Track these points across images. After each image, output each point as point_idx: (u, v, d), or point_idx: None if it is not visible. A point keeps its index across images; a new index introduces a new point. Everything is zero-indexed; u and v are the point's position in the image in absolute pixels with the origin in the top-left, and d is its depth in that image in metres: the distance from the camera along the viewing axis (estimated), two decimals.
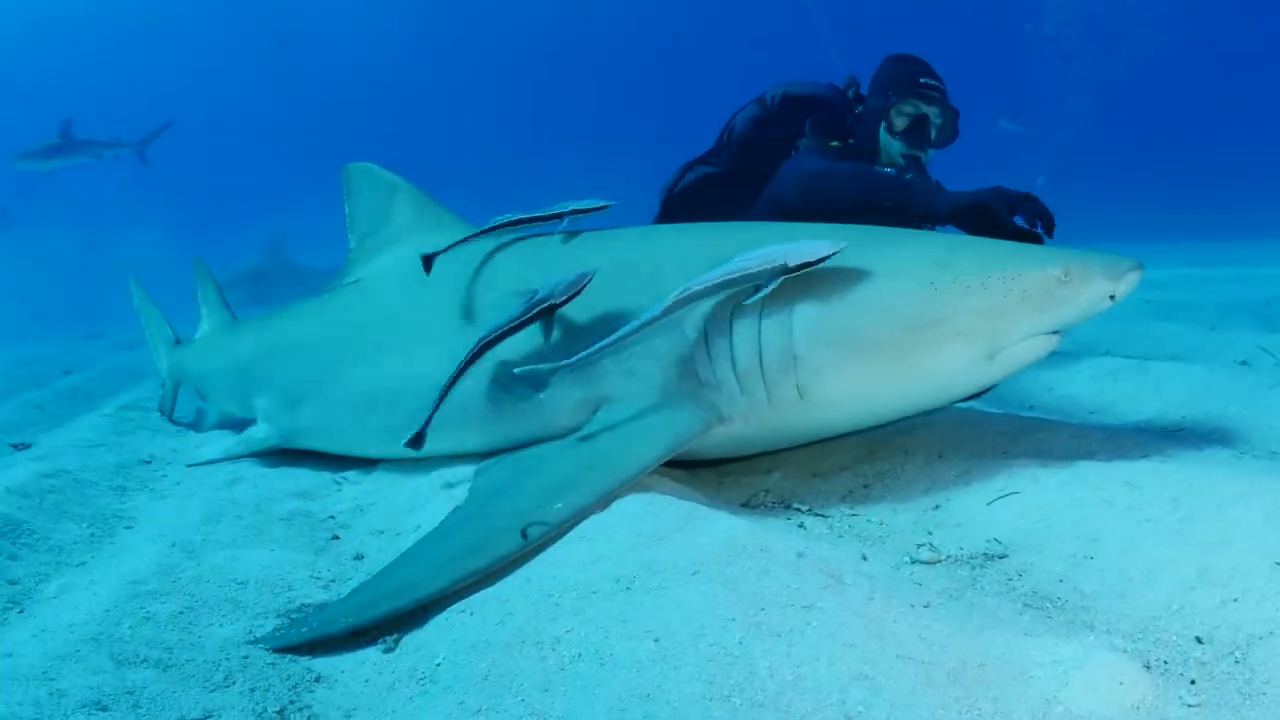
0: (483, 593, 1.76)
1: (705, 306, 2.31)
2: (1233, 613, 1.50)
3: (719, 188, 4.18)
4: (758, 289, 2.18)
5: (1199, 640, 1.46)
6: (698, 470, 2.62)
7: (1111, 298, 2.23)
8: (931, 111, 3.71)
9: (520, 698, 1.33)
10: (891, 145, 3.73)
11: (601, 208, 2.73)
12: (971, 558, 1.88)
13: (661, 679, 1.30)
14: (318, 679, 1.63)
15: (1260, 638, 1.42)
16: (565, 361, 2.28)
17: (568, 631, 1.47)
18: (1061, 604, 1.63)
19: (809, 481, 2.49)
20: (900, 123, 3.72)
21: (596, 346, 2.25)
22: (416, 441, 2.46)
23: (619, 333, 2.24)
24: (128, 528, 2.72)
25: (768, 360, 2.22)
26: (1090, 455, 2.35)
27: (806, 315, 2.20)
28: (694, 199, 4.20)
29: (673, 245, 2.62)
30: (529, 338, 2.53)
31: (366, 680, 1.60)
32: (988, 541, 1.94)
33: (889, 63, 3.86)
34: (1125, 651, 1.42)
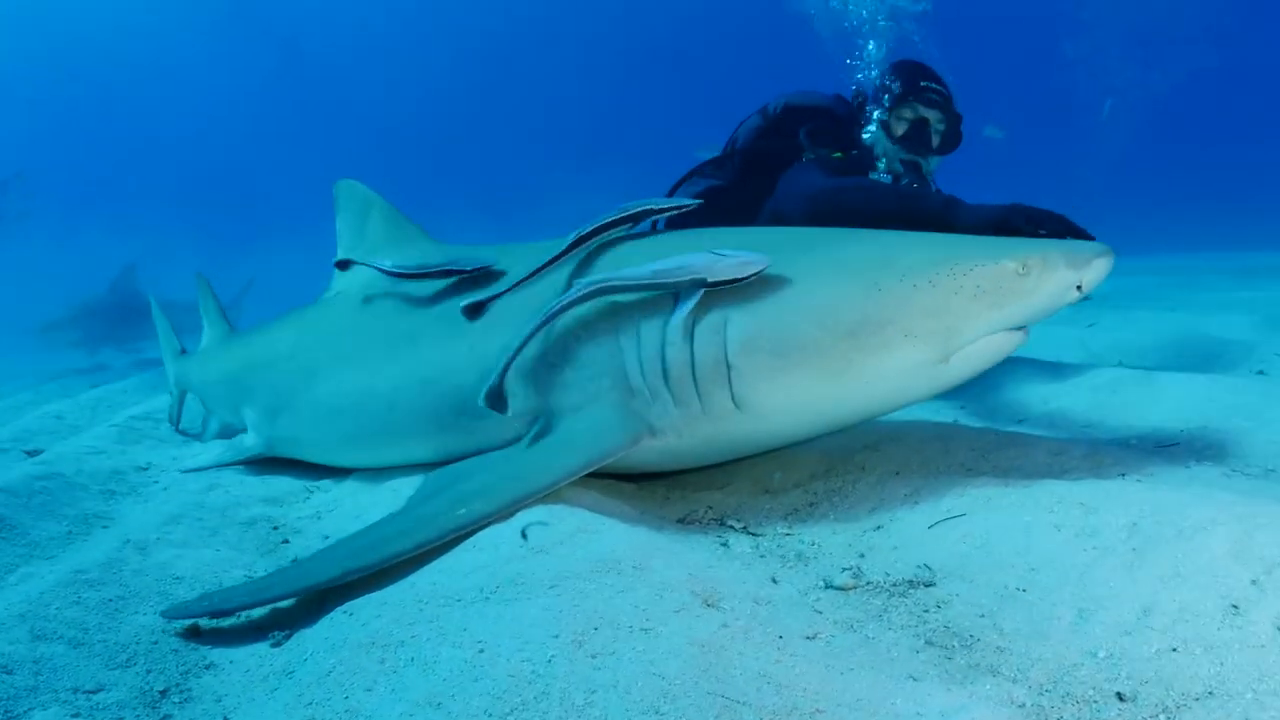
0: (370, 595, 1.69)
1: (639, 315, 2.10)
2: (1169, 665, 1.19)
3: (723, 200, 3.94)
4: (676, 296, 1.96)
5: (1120, 698, 1.16)
6: (648, 483, 2.40)
7: (1079, 288, 1.95)
8: (933, 116, 3.41)
9: (346, 695, 1.30)
10: (891, 151, 3.44)
11: (682, 208, 2.44)
12: (895, 584, 1.60)
13: (458, 689, 1.20)
14: (208, 666, 1.62)
15: (1196, 698, 1.13)
16: (491, 380, 2.14)
17: (413, 636, 1.40)
18: (971, 643, 1.35)
19: (758, 498, 2.24)
20: (900, 127, 3.43)
21: (513, 351, 2.12)
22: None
23: (530, 328, 2.09)
24: (104, 527, 2.70)
25: (700, 369, 1.99)
26: (1061, 474, 2.04)
27: (740, 322, 1.97)
28: (698, 211, 3.96)
29: (619, 255, 2.42)
30: (471, 350, 2.39)
31: (248, 671, 1.58)
32: (918, 567, 1.66)
33: (890, 67, 3.57)
34: (1021, 706, 1.14)
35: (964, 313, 1.89)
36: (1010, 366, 3.29)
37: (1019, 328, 1.99)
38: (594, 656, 1.22)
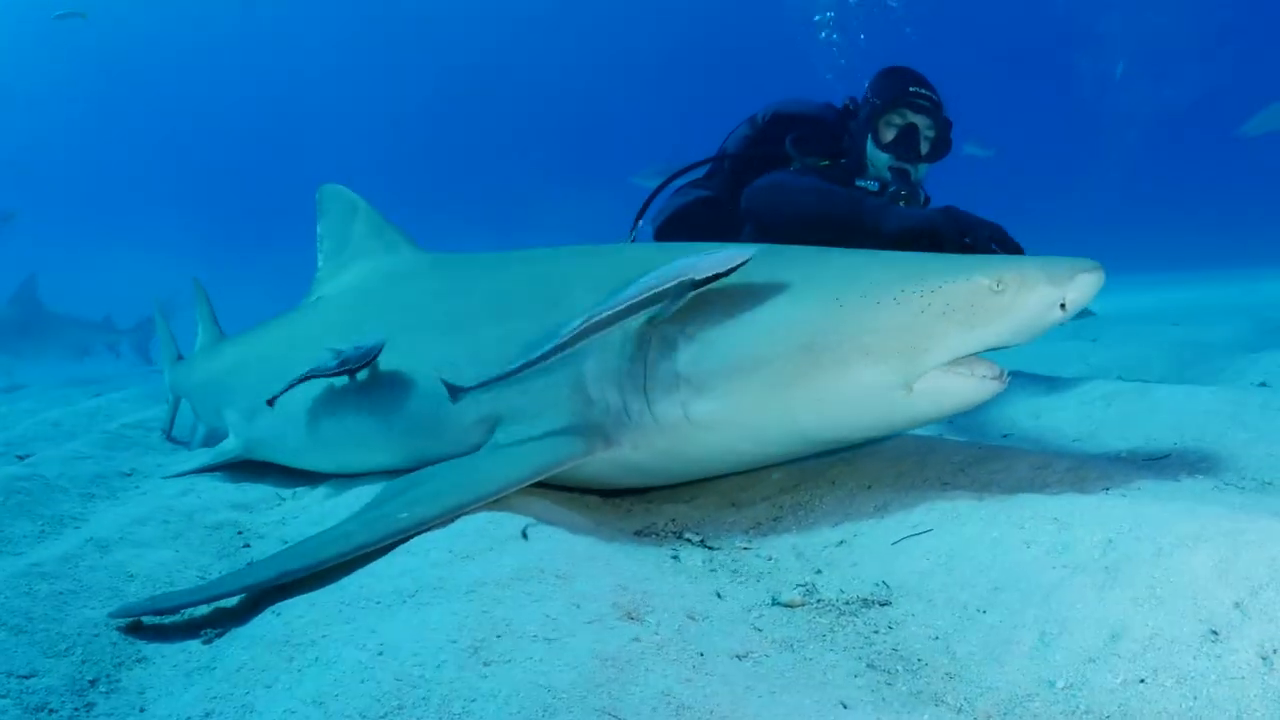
0: (304, 595, 1.63)
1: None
2: (1135, 698, 1.03)
3: (712, 210, 3.82)
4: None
5: None
6: (615, 496, 2.26)
7: (1063, 306, 1.77)
8: (921, 122, 3.26)
9: (247, 690, 1.27)
10: (879, 158, 3.29)
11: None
12: (847, 603, 1.44)
13: (345, 690, 1.15)
14: (140, 659, 1.60)
15: None
16: (471, 386, 1.98)
17: (325, 636, 1.35)
18: (918, 668, 1.19)
19: (723, 511, 2.09)
20: (887, 134, 3.28)
21: (497, 376, 1.93)
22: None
23: (520, 362, 1.90)
24: (76, 528, 2.63)
25: (652, 379, 1.86)
26: (1041, 488, 1.87)
27: (694, 332, 1.83)
28: (687, 222, 3.84)
29: (584, 265, 2.31)
30: (440, 356, 2.30)
31: (175, 665, 1.55)
32: (875, 585, 1.50)
33: (879, 74, 3.43)
34: None
35: (929, 332, 1.71)
36: None
37: (998, 348, 1.81)
38: (486, 664, 1.14)
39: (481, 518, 1.73)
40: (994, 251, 2.40)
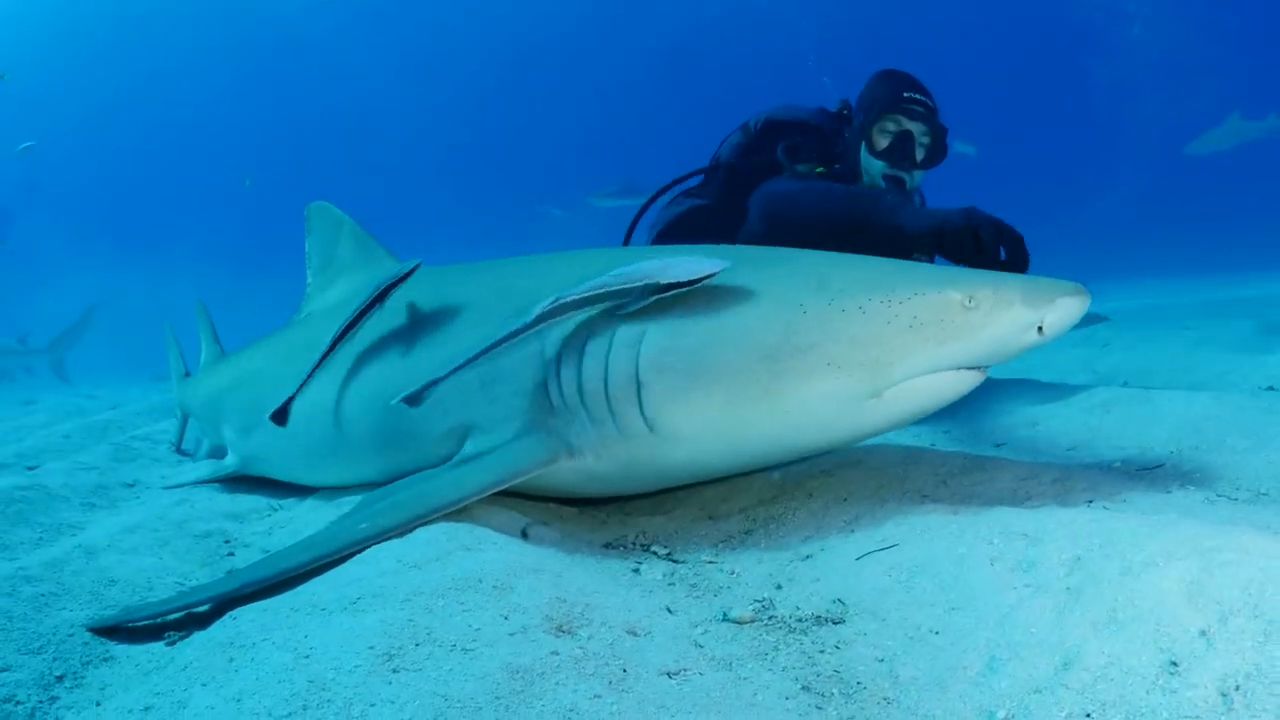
0: (263, 602, 1.62)
1: (563, 329, 1.91)
2: None
3: (707, 219, 3.74)
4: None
5: None
6: (591, 507, 2.20)
7: (1040, 330, 1.67)
8: (916, 128, 3.15)
9: (185, 688, 1.30)
10: (873, 165, 3.19)
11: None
12: (800, 620, 1.36)
13: (262, 689, 1.16)
14: (107, 659, 1.64)
15: None
16: (432, 379, 1.95)
17: (265, 640, 1.34)
18: (855, 691, 1.10)
19: (699, 524, 2.01)
20: (881, 140, 3.17)
21: (459, 364, 1.92)
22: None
23: (480, 348, 1.88)
24: (72, 536, 2.63)
25: (613, 386, 1.79)
26: (1022, 501, 1.76)
27: (655, 338, 1.76)
28: (682, 231, 3.77)
29: (554, 271, 2.25)
30: (412, 366, 2.27)
31: (137, 665, 1.58)
32: (832, 602, 1.42)
33: (874, 78, 3.33)
34: None
35: (896, 345, 1.63)
36: (1002, 388, 2.99)
37: (974, 367, 1.71)
38: (395, 671, 1.12)
39: (438, 528, 1.69)
40: (1001, 257, 2.29)
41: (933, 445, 2.51)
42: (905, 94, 3.14)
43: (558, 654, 1.10)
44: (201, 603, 1.69)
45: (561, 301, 1.82)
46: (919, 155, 3.13)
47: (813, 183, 3.04)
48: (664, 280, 1.73)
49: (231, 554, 2.37)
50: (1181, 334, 4.23)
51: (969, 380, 1.72)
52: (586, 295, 1.81)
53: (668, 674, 1.12)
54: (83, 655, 1.65)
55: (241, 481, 3.17)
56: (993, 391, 2.95)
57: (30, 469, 3.38)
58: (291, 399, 2.39)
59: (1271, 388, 2.54)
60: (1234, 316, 4.74)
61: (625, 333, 1.80)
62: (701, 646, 1.26)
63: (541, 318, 1.83)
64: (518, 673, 1.05)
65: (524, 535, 1.80)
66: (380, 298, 2.31)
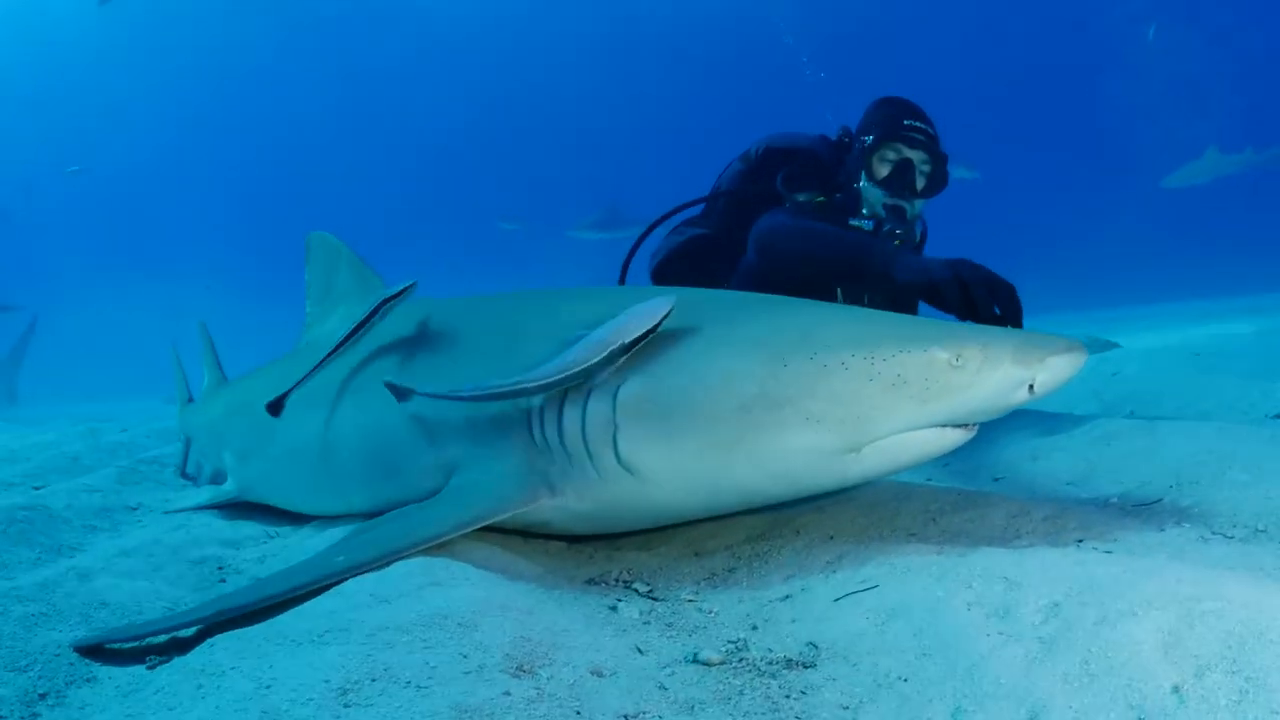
0: (243, 630, 1.62)
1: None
2: None
3: (708, 249, 3.72)
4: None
5: None
6: (578, 544, 2.17)
7: (1031, 388, 1.64)
8: (917, 157, 3.12)
9: (154, 712, 1.31)
10: (873, 194, 3.15)
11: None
12: (770, 663, 1.33)
13: (219, 716, 1.18)
14: (90, 679, 1.65)
15: None
16: (423, 392, 2.00)
17: (234, 668, 1.36)
18: None
19: (684, 561, 1.99)
20: (882, 169, 3.15)
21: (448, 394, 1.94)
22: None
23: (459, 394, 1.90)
24: (69, 557, 2.67)
25: (590, 427, 1.79)
26: (1011, 540, 1.72)
27: (633, 380, 1.76)
28: (683, 261, 3.75)
29: (542, 310, 2.26)
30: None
31: (117, 686, 1.60)
32: (805, 645, 1.38)
33: (873, 106, 3.31)
34: None
35: (876, 403, 1.60)
36: (1006, 418, 2.90)
37: (961, 425, 1.68)
38: (347, 706, 1.13)
39: (415, 563, 1.68)
40: (995, 312, 2.26)
41: (929, 479, 2.46)
42: (905, 121, 3.11)
43: (509, 694, 1.09)
44: (184, 626, 1.70)
45: (525, 386, 1.79)
46: (919, 184, 3.10)
47: (807, 222, 3.01)
48: (627, 340, 1.72)
49: (223, 580, 2.37)
50: (1191, 360, 4.13)
51: (953, 438, 1.70)
52: (554, 380, 1.78)
53: (624, 717, 1.10)
54: (67, 675, 1.67)
55: (241, 508, 3.19)
56: (995, 422, 2.87)
57: (38, 489, 3.43)
58: (288, 393, 2.42)
59: (1279, 415, 2.46)
60: (1245, 342, 4.64)
61: (604, 375, 1.79)
62: (665, 689, 1.23)
63: (510, 394, 1.83)
64: (466, 712, 1.04)
65: (504, 571, 1.78)
66: (380, 312, 2.35)
